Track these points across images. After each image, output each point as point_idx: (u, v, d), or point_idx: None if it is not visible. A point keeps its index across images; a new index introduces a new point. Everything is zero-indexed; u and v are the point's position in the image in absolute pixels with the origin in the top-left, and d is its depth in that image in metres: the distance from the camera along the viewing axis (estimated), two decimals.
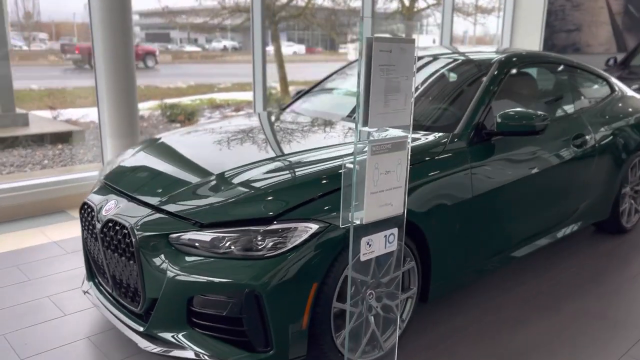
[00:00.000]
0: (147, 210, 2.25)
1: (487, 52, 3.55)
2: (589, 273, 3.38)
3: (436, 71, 3.28)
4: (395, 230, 2.00)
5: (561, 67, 3.67)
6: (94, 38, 4.40)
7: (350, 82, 3.66)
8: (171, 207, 2.21)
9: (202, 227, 2.10)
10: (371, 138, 1.80)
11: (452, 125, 2.78)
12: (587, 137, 3.42)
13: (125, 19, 4.34)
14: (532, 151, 3.03)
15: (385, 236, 1.98)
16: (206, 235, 2.07)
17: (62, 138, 7.41)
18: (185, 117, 8.89)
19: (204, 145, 2.92)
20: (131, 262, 2.19)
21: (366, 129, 1.79)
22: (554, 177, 3.17)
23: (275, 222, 2.06)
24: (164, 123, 9.64)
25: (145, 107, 11.77)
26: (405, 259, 2.40)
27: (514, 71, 3.17)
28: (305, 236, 2.05)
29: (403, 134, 1.93)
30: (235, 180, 2.30)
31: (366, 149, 1.80)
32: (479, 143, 2.76)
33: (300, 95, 3.81)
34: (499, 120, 2.74)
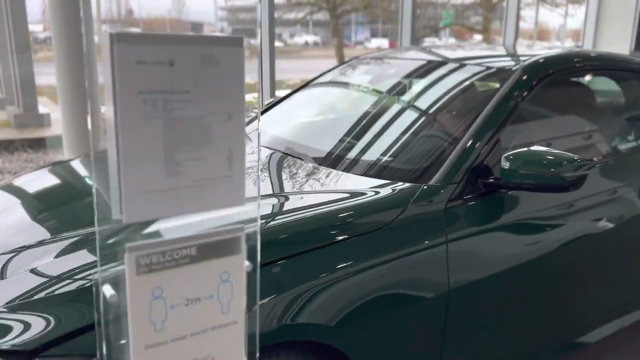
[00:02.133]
0: None
1: (527, 54, 2.47)
2: None
3: (424, 85, 2.25)
4: None
5: (636, 76, 2.51)
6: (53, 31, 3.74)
7: (338, 92, 2.68)
8: None
9: None
10: (131, 243, 0.87)
11: (430, 171, 1.77)
12: None
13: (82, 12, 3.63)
14: (569, 208, 1.96)
15: None
16: None
17: None
18: None
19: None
20: None
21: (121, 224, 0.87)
22: (606, 246, 2.08)
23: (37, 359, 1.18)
24: None
25: None
26: None
27: (551, 82, 2.09)
28: None
29: (235, 226, 0.98)
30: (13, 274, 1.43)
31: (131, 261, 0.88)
32: (473, 199, 1.74)
33: (268, 107, 2.85)
34: (504, 165, 1.70)
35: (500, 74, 2.06)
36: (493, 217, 1.76)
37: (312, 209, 1.55)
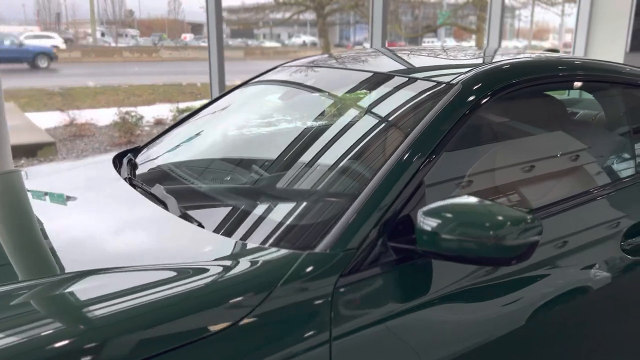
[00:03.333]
0: None
1: (486, 62, 1.96)
2: None
3: (336, 105, 1.73)
4: None
5: (618, 88, 2.00)
6: None
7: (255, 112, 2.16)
8: None
9: None
10: None
11: (317, 231, 1.25)
12: None
13: None
14: (520, 273, 1.44)
15: None
16: None
17: (29, 151, 6.41)
18: None
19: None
20: None
21: None
22: (576, 315, 1.57)
23: None
24: None
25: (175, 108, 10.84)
26: None
27: (505, 98, 1.57)
28: None
29: None
30: None
31: None
32: (380, 272, 1.23)
33: (166, 131, 2.30)
34: (422, 224, 1.19)
35: (435, 90, 1.55)
36: (407, 296, 1.25)
37: (108, 303, 1.04)
